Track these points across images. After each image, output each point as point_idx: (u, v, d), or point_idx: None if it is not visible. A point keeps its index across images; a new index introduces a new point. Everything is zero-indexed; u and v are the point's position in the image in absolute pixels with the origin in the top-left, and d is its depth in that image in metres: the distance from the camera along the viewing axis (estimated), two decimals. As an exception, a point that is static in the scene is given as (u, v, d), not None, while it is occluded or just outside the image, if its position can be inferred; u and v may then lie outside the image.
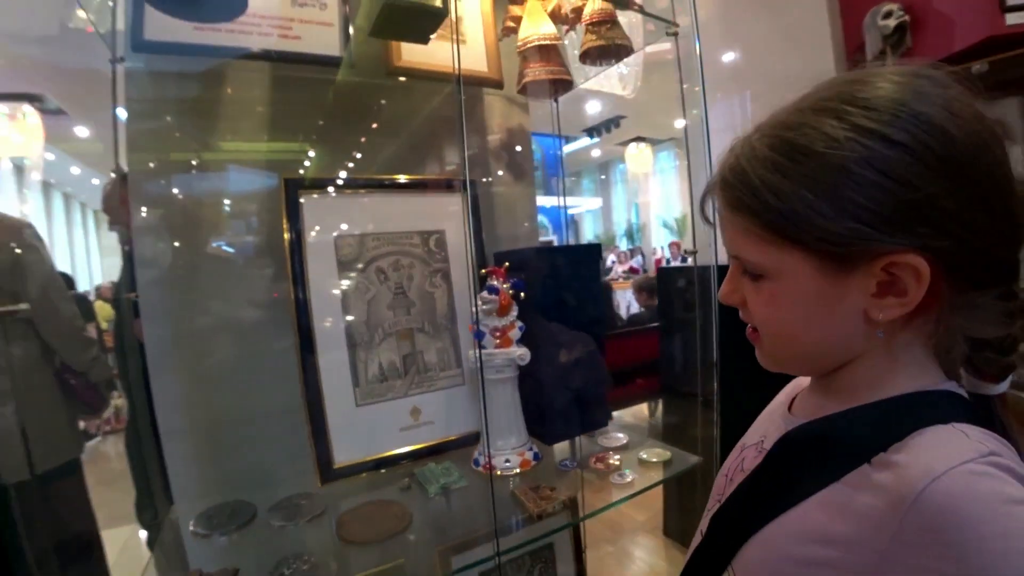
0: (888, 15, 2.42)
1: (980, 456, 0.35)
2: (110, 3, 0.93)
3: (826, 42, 2.83)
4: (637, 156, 7.11)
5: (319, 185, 1.06)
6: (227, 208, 1.06)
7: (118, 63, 0.94)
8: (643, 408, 3.62)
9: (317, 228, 1.03)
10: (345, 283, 1.03)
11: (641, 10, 1.15)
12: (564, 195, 1.57)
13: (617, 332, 3.23)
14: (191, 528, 0.84)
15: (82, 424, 1.63)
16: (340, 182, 1.10)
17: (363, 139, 1.18)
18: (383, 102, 1.19)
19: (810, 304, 0.44)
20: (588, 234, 10.90)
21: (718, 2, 2.93)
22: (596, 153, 9.96)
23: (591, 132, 7.84)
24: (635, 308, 4.14)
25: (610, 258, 8.67)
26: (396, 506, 0.89)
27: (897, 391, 0.43)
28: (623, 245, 9.85)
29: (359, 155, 1.18)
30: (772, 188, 0.42)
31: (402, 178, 1.15)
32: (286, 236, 1.00)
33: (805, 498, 0.41)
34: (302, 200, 1.03)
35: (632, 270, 7.73)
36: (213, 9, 0.85)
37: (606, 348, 3.15)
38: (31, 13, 0.99)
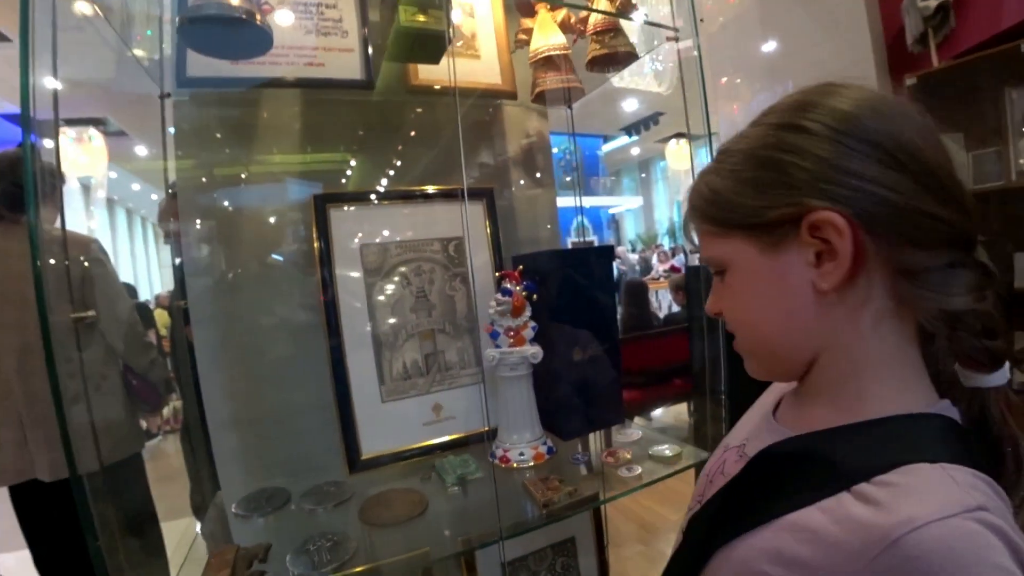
0: (928, -5, 2.32)
1: (966, 511, 0.33)
2: (156, 51, 1.05)
3: (863, 28, 2.75)
4: (678, 153, 7.01)
5: (346, 199, 1.14)
6: (266, 220, 1.16)
7: (165, 98, 1.06)
8: (684, 408, 3.59)
9: (344, 238, 1.11)
10: (371, 288, 1.11)
11: (637, 19, 1.18)
12: (580, 195, 1.61)
13: (652, 332, 3.21)
14: (233, 510, 0.94)
15: (144, 424, 1.79)
16: (368, 195, 1.18)
17: (388, 153, 1.26)
18: (407, 117, 1.27)
19: (762, 286, 0.47)
20: (630, 233, 10.79)
21: (755, -6, 2.89)
22: (636, 151, 9.86)
23: (629, 130, 7.78)
24: (676, 308, 4.11)
25: (653, 257, 8.57)
26: (415, 494, 0.96)
27: (882, 401, 0.43)
28: (665, 244, 9.71)
29: (385, 168, 1.27)
30: (710, 186, 0.48)
31: (430, 188, 1.21)
32: (316, 246, 1.08)
33: (779, 517, 0.40)
34: (332, 212, 1.12)
35: (673, 269, 7.60)
36: (244, 49, 0.95)
37: (640, 348, 3.14)
38: (94, 47, 1.12)
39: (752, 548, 0.41)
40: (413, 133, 1.26)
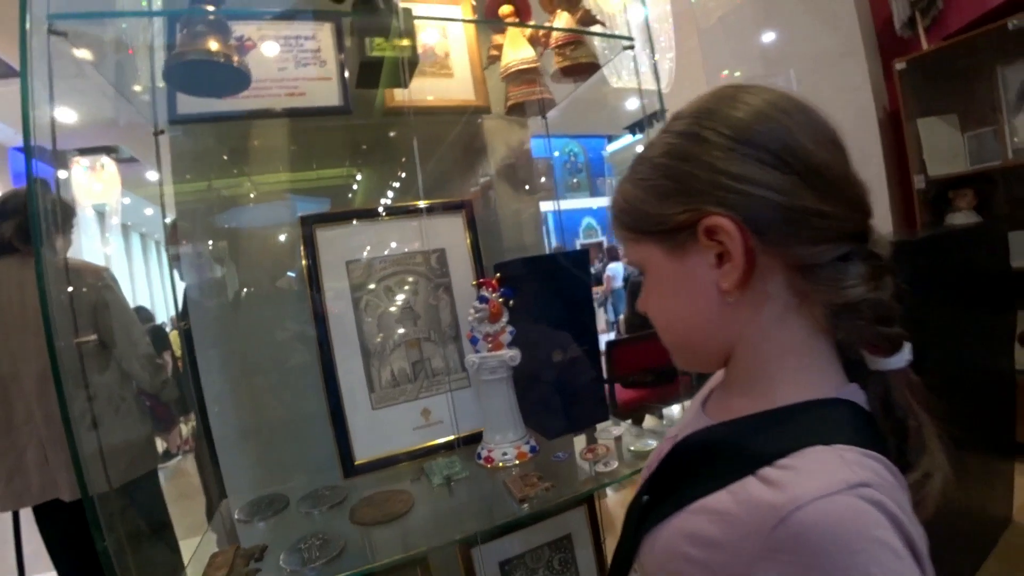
0: (914, -21, 2.32)
1: (848, 487, 0.35)
2: (147, 94, 1.13)
3: (853, 15, 2.75)
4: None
5: (332, 218, 1.21)
6: (259, 242, 1.23)
7: (159, 135, 1.14)
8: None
9: (332, 255, 1.17)
10: (358, 302, 1.17)
11: (596, 31, 1.23)
12: (558, 200, 1.65)
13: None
14: (236, 516, 1.01)
15: (164, 445, 1.88)
16: (352, 213, 1.24)
17: (371, 173, 1.33)
18: (386, 138, 1.34)
19: (672, 287, 0.50)
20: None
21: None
22: (640, 150, 9.85)
23: (633, 129, 7.79)
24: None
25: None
26: (403, 494, 1.01)
27: (790, 390, 0.45)
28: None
29: (368, 187, 1.33)
30: (623, 194, 0.52)
31: (414, 204, 1.27)
32: (304, 264, 1.15)
33: (695, 500, 0.43)
34: (318, 232, 1.18)
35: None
36: (224, 87, 1.03)
37: (646, 347, 3.15)
38: (89, 91, 1.21)
39: (673, 531, 0.45)
40: (392, 153, 1.32)
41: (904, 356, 0.45)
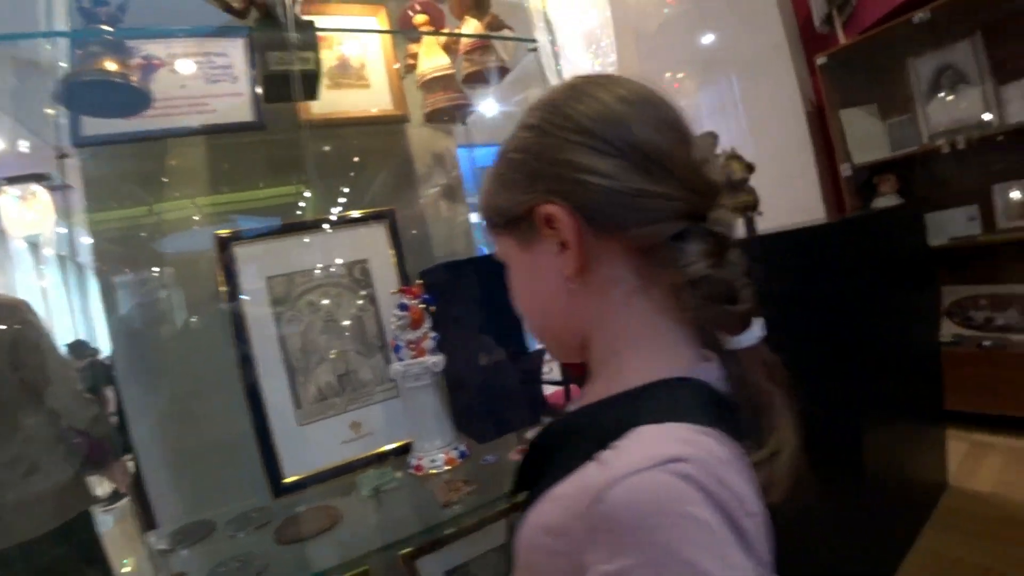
0: (829, -23, 2.41)
1: (660, 462, 0.34)
2: (51, 112, 1.10)
3: (775, 14, 2.86)
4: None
5: (248, 236, 1.19)
6: (176, 264, 1.20)
7: (63, 159, 1.11)
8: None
9: (251, 273, 1.16)
10: (280, 318, 1.16)
11: (503, 35, 1.25)
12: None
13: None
14: (159, 546, 0.98)
15: (114, 485, 1.79)
16: (269, 229, 1.23)
17: (290, 186, 1.32)
18: (304, 151, 1.33)
19: (526, 277, 0.51)
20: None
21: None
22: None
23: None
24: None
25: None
26: (331, 509, 1.00)
27: (639, 372, 0.44)
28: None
29: (288, 202, 1.32)
30: (483, 190, 0.53)
31: (330, 216, 1.27)
32: (222, 285, 1.13)
33: (547, 490, 0.42)
34: (236, 250, 1.16)
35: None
36: (125, 108, 1.01)
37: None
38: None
39: (531, 523, 0.43)
40: (310, 165, 1.31)
41: (754, 333, 0.45)
